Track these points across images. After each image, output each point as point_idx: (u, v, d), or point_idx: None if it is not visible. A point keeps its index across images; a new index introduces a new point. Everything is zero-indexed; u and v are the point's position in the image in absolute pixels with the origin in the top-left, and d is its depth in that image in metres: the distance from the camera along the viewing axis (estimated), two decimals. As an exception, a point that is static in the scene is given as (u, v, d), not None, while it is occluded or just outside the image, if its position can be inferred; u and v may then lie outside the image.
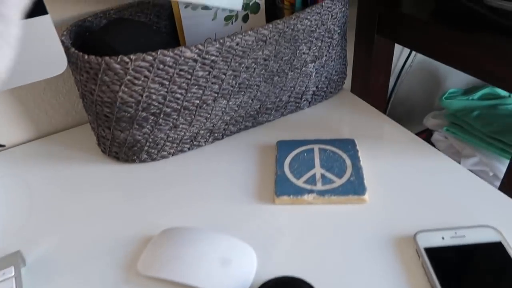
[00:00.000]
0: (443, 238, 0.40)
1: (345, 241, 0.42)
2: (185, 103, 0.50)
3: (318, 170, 0.49)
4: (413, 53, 0.87)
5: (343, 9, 0.56)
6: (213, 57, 0.48)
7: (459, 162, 0.72)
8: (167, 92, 0.48)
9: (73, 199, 0.51)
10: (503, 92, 0.81)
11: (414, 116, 0.99)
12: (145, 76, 0.46)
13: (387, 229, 0.43)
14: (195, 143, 0.56)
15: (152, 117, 0.50)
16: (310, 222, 0.45)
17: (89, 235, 0.46)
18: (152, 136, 0.52)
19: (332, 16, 0.55)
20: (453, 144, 0.79)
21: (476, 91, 0.82)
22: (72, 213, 0.49)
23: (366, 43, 0.73)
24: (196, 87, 0.49)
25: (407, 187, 0.47)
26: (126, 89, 0.46)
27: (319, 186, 0.47)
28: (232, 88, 0.52)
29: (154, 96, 0.48)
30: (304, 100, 0.61)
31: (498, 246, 0.39)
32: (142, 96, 0.47)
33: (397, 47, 0.86)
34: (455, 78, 0.97)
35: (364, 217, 0.44)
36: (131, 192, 0.51)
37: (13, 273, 0.40)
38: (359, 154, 0.51)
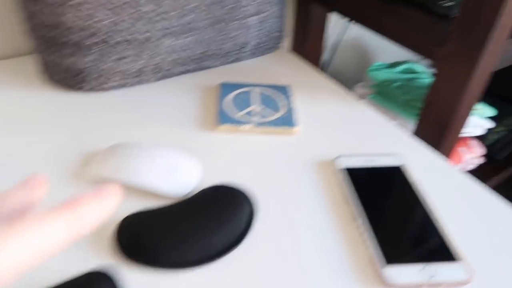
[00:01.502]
0: (357, 161, 0.47)
1: (276, 165, 0.48)
2: (133, 36, 0.52)
3: (256, 107, 0.54)
4: (348, 28, 0.95)
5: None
6: (164, -8, 0.51)
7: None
8: (114, 22, 0.50)
9: (14, 121, 0.51)
10: (420, 68, 0.92)
11: (347, 87, 1.08)
12: (90, 2, 0.47)
13: (313, 156, 0.49)
14: (142, 77, 0.58)
15: (97, 47, 0.52)
16: (245, 149, 0.50)
17: (35, 151, 0.47)
18: (97, 66, 0.54)
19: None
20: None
21: (398, 66, 0.92)
22: (14, 133, 0.49)
23: (303, 9, 0.79)
24: (144, 20, 0.52)
25: (332, 125, 0.54)
26: (69, 14, 0.48)
27: (256, 119, 0.52)
28: (178, 27, 0.55)
29: (100, 24, 0.50)
30: (245, 52, 0.66)
31: (399, 169, 0.47)
32: (86, 22, 0.49)
33: (335, 20, 0.94)
34: (382, 53, 1.08)
35: (293, 146, 0.50)
36: (74, 119, 0.52)
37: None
38: (293, 97, 0.58)
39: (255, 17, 0.62)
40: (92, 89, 0.56)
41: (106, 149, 0.45)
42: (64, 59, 0.52)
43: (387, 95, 0.87)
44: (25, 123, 0.51)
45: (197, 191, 0.41)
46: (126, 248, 0.37)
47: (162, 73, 0.59)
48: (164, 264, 0.36)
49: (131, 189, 0.43)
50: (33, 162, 0.45)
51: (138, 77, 0.58)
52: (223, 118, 0.52)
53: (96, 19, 0.49)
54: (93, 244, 0.38)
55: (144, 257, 0.36)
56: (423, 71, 0.93)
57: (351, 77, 1.07)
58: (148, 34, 0.53)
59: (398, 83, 0.87)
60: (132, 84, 0.58)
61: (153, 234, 0.37)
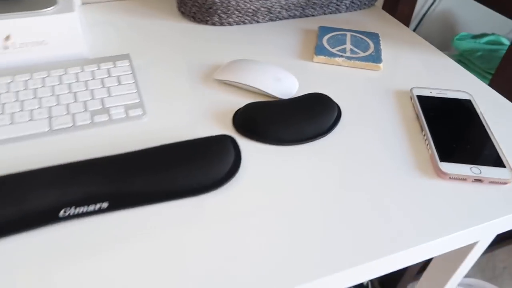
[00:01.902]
0: (431, 93, 0.56)
1: (360, 91, 0.59)
2: (257, -22, 0.65)
3: (348, 46, 0.65)
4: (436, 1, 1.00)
5: None
6: None
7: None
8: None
9: (155, 43, 0.67)
10: (506, 41, 0.95)
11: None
12: None
13: (393, 87, 0.59)
14: (255, 18, 0.71)
15: (231, -16, 0.65)
16: (336, 77, 0.61)
17: (172, 61, 0.62)
18: (227, 2, 0.67)
19: None
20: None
21: (483, 37, 0.96)
22: (154, 51, 0.65)
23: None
24: (268, -34, 0.64)
25: (412, 67, 0.63)
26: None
27: (348, 54, 0.63)
28: (293, -24, 0.67)
29: (237, -34, 0.63)
30: (343, 5, 0.76)
31: (465, 101, 0.55)
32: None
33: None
34: (468, 26, 1.12)
35: (377, 79, 0.61)
36: (202, 44, 0.67)
37: (128, 63, 0.58)
38: (381, 41, 0.67)
39: (356, -26, 0.72)
40: (217, 22, 0.70)
41: (228, 62, 0.59)
42: (201, -5, 0.67)
43: (468, 63, 0.92)
44: (164, 45, 0.66)
45: (297, 96, 0.54)
46: (242, 126, 0.50)
47: (272, 15, 0.72)
48: (269, 139, 0.49)
49: (246, 90, 0.56)
50: (174, 70, 0.61)
51: (253, 16, 0.71)
52: (319, 50, 0.64)
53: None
54: (218, 122, 0.52)
55: (255, 133, 0.49)
56: (508, 44, 0.96)
57: (435, 45, 1.12)
58: (267, -22, 0.66)
59: (480, 53, 0.92)
60: (247, 22, 0.72)
61: (264, 118, 0.50)
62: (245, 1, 0.68)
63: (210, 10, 0.69)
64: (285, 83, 0.56)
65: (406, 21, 0.93)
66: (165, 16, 0.74)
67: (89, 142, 0.48)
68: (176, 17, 0.73)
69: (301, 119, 0.50)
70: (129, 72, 0.56)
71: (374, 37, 0.68)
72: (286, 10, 0.72)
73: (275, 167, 0.46)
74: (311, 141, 0.49)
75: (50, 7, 0.56)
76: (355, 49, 0.64)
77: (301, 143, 0.49)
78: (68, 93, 0.52)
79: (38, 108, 0.50)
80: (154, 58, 0.62)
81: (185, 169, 0.43)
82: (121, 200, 0.40)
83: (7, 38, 0.54)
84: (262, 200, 0.42)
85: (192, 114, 0.52)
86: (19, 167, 0.44)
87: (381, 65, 0.62)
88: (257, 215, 0.41)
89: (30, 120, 0.48)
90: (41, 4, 0.56)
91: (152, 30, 0.69)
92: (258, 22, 0.72)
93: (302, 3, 0.72)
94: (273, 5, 0.70)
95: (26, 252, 0.37)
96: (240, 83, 0.55)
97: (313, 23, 0.74)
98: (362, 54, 0.64)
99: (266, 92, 0.55)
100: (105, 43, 0.65)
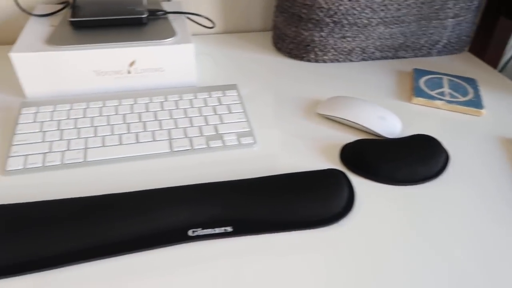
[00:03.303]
0: (540, 143, 0.55)
1: (466, 138, 0.58)
2: (358, 20, 0.68)
3: (446, 89, 0.65)
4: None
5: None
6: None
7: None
8: (350, 7, 0.66)
9: (255, 74, 0.70)
10: None
11: None
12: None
13: (497, 133, 0.58)
14: (348, 57, 0.73)
15: (332, 24, 0.68)
16: (436, 119, 0.61)
17: (274, 93, 0.65)
18: (325, 40, 0.70)
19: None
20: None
21: None
22: (258, 83, 0.69)
23: (490, 19, 0.87)
24: (371, 9, 0.67)
25: (514, 116, 0.63)
26: (324, -2, 0.65)
27: (448, 98, 0.63)
28: (392, 18, 0.69)
29: (341, 7, 0.66)
30: (435, 49, 0.77)
31: None
32: (333, 4, 0.65)
33: None
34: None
35: (479, 124, 0.60)
36: (299, 78, 0.70)
37: (236, 93, 0.61)
38: (479, 88, 0.67)
39: (453, 20, 0.73)
40: (312, 59, 0.73)
41: (330, 98, 0.61)
42: (302, 33, 0.70)
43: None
44: (263, 77, 0.69)
45: (400, 136, 0.54)
46: (352, 162, 0.51)
47: (365, 55, 0.74)
48: (381, 177, 0.49)
49: (349, 126, 0.57)
50: (277, 102, 0.63)
51: (347, 55, 0.73)
52: (418, 92, 0.64)
53: (339, 3, 0.65)
54: (324, 155, 0.53)
55: (366, 170, 0.50)
56: None
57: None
58: (369, 20, 0.68)
59: None
60: (341, 61, 0.74)
61: (375, 155, 0.50)
62: (342, 41, 0.71)
63: (308, 47, 0.72)
64: (389, 122, 0.56)
65: (494, 64, 0.91)
66: (262, 50, 0.77)
67: (206, 165, 0.50)
68: (272, 52, 0.77)
69: (414, 160, 0.50)
70: (238, 102, 0.59)
71: (472, 82, 0.68)
72: (380, 51, 0.74)
73: (388, 206, 0.46)
74: (423, 183, 0.49)
75: (170, 37, 0.60)
76: (454, 93, 0.64)
77: (413, 184, 0.49)
78: (184, 117, 0.55)
79: (159, 130, 0.53)
80: (257, 90, 0.65)
81: (304, 201, 0.44)
82: (244, 226, 0.42)
83: (132, 63, 0.59)
84: (376, 238, 0.42)
85: (298, 146, 0.54)
86: (145, 184, 0.47)
87: (483, 110, 0.61)
88: (372, 254, 0.41)
89: (153, 140, 0.51)
90: (163, 34, 0.61)
91: (251, 63, 0.73)
92: (351, 61, 0.74)
93: (395, 45, 0.74)
94: (368, 45, 0.72)
95: (158, 265, 0.39)
96: (345, 119, 0.57)
97: (406, 65, 0.75)
98: (462, 98, 0.63)
99: (371, 130, 0.56)
100: (209, 73, 0.69)
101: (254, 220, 0.42)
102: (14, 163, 0.47)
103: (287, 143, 0.54)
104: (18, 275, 0.37)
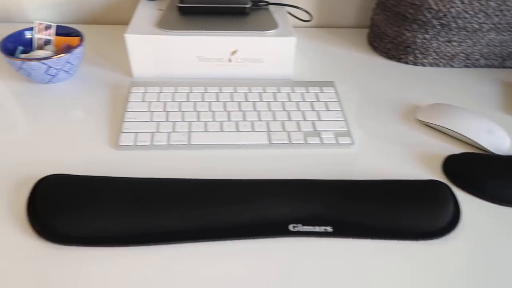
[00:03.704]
0: None
1: None
2: (468, 24, 0.64)
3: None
4: None
5: None
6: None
7: None
8: (462, 9, 0.62)
9: (349, 73, 0.69)
10: None
11: None
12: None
13: None
14: (450, 62, 0.70)
15: (439, 27, 0.65)
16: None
17: (370, 94, 0.64)
18: (427, 43, 0.67)
19: None
20: None
21: None
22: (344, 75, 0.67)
23: None
24: (484, 13, 0.63)
25: None
26: (435, -2, 0.62)
27: None
28: (506, 25, 0.64)
29: (452, 9, 0.62)
30: (548, 61, 0.71)
31: None
32: (444, 6, 0.62)
33: None
34: None
35: None
36: (396, 80, 0.67)
37: (333, 90, 0.60)
38: None
39: None
40: (410, 61, 0.70)
41: (431, 104, 0.58)
42: (404, 33, 0.67)
43: None
44: (358, 77, 0.68)
45: (509, 153, 0.51)
46: (457, 175, 0.48)
47: (469, 62, 0.70)
48: (489, 195, 0.46)
49: (451, 137, 0.55)
50: (374, 104, 0.61)
51: (449, 60, 0.69)
52: (530, 108, 0.59)
53: (451, 5, 0.62)
54: (425, 165, 0.51)
55: (472, 185, 0.47)
56: None
57: None
58: (480, 25, 0.64)
59: None
60: (441, 65, 0.70)
61: (484, 171, 0.48)
62: (446, 45, 0.67)
63: (408, 49, 0.69)
64: (497, 137, 0.53)
65: None
66: (356, 47, 0.76)
67: (303, 161, 0.50)
68: (366, 50, 0.75)
69: (525, 180, 0.46)
70: (335, 100, 0.58)
71: None
72: (485, 58, 0.69)
73: (495, 227, 0.44)
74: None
75: (272, 29, 0.61)
76: None
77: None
78: (282, 111, 0.56)
79: (257, 120, 0.54)
80: (352, 88, 0.64)
81: (410, 211, 0.42)
82: (345, 228, 0.41)
83: (234, 52, 0.60)
84: (482, 259, 0.40)
85: (396, 152, 0.52)
86: (244, 172, 0.48)
87: None
88: (476, 275, 0.39)
89: (252, 130, 0.52)
90: (265, 26, 0.61)
91: (345, 60, 0.71)
92: (452, 66, 0.70)
93: (504, 54, 0.69)
94: (473, 52, 0.68)
95: (260, 255, 0.39)
96: (448, 129, 0.54)
97: (510, 75, 0.70)
98: None
99: (477, 144, 0.52)
100: (303, 67, 0.68)
101: (355, 223, 0.42)
102: (125, 139, 0.50)
103: (385, 147, 0.53)
104: (136, 245, 0.39)
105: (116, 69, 0.65)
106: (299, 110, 0.56)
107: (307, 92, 0.59)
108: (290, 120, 0.54)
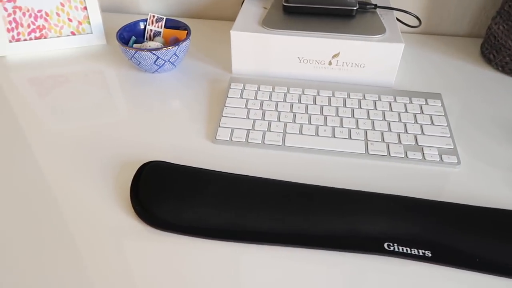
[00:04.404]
0: None
1: None
2: None
3: None
4: None
5: None
6: None
7: None
8: None
9: (458, 85, 0.63)
10: None
11: None
12: None
13: None
14: None
15: None
16: None
17: (481, 111, 0.58)
18: (555, 59, 0.59)
19: None
20: None
21: None
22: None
23: None
24: None
25: None
26: None
27: None
28: None
29: None
30: None
31: None
32: None
33: None
34: None
35: None
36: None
37: (440, 104, 0.56)
38: None
39: None
40: (530, 77, 0.63)
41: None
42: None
43: None
44: (469, 91, 0.62)
45: None
46: None
47: None
48: None
49: None
50: (485, 122, 0.56)
51: None
52: None
53: None
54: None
55: None
56: None
57: None
58: None
59: None
60: None
61: None
62: None
63: (531, 64, 0.62)
64: None
65: None
66: (467, 58, 0.69)
67: (401, 176, 0.47)
68: (479, 62, 0.68)
69: None
70: (442, 114, 0.54)
71: None
72: None
73: None
74: None
75: (380, 34, 0.58)
76: None
77: None
78: (382, 120, 0.53)
79: (355, 128, 0.52)
80: (460, 103, 0.59)
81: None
82: (446, 255, 0.38)
83: (336, 55, 0.59)
84: None
85: (509, 178, 0.47)
86: (339, 180, 0.46)
87: None
88: None
89: (348, 138, 0.50)
90: (372, 30, 0.59)
91: (453, 71, 0.66)
92: None
93: None
94: None
95: (351, 270, 0.38)
96: None
97: None
98: None
99: None
100: (406, 75, 0.64)
101: (458, 251, 0.38)
102: (222, 134, 0.51)
103: (494, 172, 0.48)
104: (222, 240, 0.40)
105: (215, 63, 0.67)
106: (400, 121, 0.53)
107: (411, 103, 0.55)
108: (390, 131, 0.51)
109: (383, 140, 0.50)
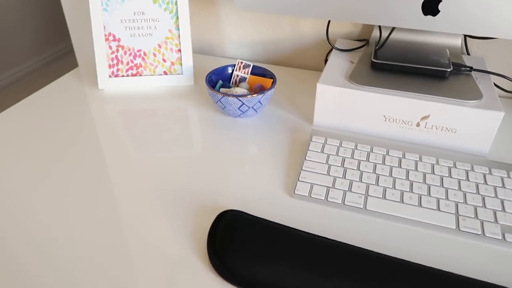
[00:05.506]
0: None
1: None
2: None
3: None
4: None
5: None
6: None
7: None
8: None
9: None
10: None
11: None
12: None
13: None
14: None
15: None
16: None
17: None
18: None
19: None
20: None
21: None
22: None
23: None
24: None
25: None
26: None
27: None
28: None
29: None
30: None
31: None
32: None
33: None
34: None
35: None
36: None
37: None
38: None
39: None
40: None
41: None
42: None
43: None
44: None
45: None
46: None
47: None
48: None
49: None
50: None
51: None
52: None
53: None
54: None
55: None
56: None
57: None
58: None
59: None
60: None
61: None
62: None
63: None
64: None
65: None
66: None
67: (498, 260, 0.42)
68: None
69: None
70: (546, 194, 0.49)
71: None
72: None
73: None
74: None
75: (476, 99, 0.54)
76: None
77: None
78: (475, 193, 0.49)
79: (444, 199, 0.48)
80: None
81: None
82: None
83: (425, 117, 0.56)
84: None
85: None
86: (425, 258, 0.42)
87: None
88: None
89: (437, 209, 0.47)
90: (467, 94, 0.55)
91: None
92: None
93: None
94: None
95: None
96: None
97: None
98: None
99: None
100: (502, 145, 0.59)
101: None
102: (301, 188, 0.50)
103: None
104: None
105: (296, 112, 0.67)
106: (496, 197, 0.48)
107: (508, 178, 0.51)
108: (484, 207, 0.47)
109: (476, 216, 0.46)
